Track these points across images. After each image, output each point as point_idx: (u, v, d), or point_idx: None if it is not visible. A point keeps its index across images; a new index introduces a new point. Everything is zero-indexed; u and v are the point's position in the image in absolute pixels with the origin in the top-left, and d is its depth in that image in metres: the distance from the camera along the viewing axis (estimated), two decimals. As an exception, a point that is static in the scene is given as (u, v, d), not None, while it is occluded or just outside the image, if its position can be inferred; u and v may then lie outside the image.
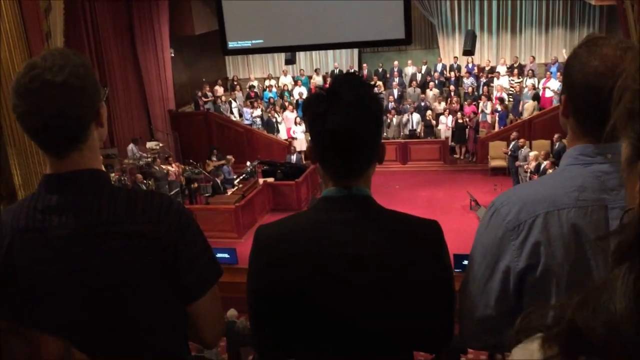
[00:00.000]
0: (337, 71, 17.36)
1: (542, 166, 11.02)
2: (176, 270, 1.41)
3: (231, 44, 10.78)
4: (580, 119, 1.27)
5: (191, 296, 1.46)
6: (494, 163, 13.56)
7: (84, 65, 1.37)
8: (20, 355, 0.65)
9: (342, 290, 1.34)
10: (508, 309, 1.30)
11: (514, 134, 12.77)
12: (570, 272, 1.20)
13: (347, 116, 1.31)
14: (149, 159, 12.79)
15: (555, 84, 14.38)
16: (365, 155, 1.38)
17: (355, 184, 1.38)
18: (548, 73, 15.08)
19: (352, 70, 17.05)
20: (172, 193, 12.30)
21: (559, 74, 14.64)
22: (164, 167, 12.70)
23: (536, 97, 14.48)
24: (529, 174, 11.42)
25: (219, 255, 9.48)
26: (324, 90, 1.37)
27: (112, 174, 11.47)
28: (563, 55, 15.52)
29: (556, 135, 12.19)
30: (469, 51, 13.93)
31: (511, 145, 12.59)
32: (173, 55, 15.28)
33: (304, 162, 13.95)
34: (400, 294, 1.34)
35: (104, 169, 1.49)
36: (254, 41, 10.76)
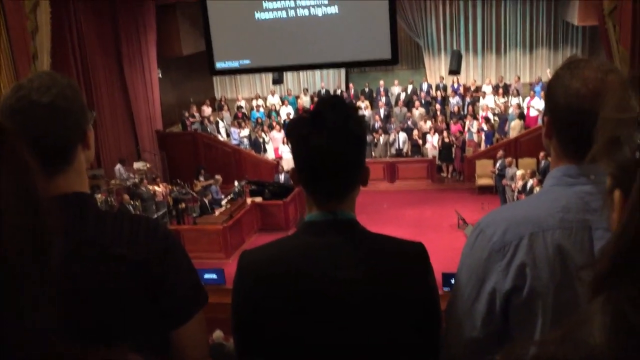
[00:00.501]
0: (324, 91, 17.46)
1: (529, 185, 11.10)
2: (161, 295, 1.40)
3: (219, 65, 10.83)
4: (563, 140, 1.28)
5: (176, 321, 1.44)
6: (481, 181, 13.63)
7: (71, 87, 1.37)
8: None
9: (327, 313, 1.33)
10: (494, 331, 1.30)
11: (501, 153, 12.88)
12: (556, 293, 1.21)
13: (330, 138, 1.32)
14: (136, 180, 12.73)
15: (539, 103, 14.55)
16: (349, 177, 1.38)
17: (340, 208, 1.38)
18: (532, 92, 15.27)
19: (339, 92, 17.17)
20: (159, 214, 12.23)
21: (542, 93, 14.82)
22: (151, 187, 12.63)
23: (522, 116, 14.64)
24: (516, 193, 11.49)
25: (206, 276, 9.40)
26: (308, 113, 1.38)
27: (99, 195, 11.38)
28: (547, 74, 15.73)
29: (542, 154, 12.30)
30: (454, 71, 14.09)
31: (498, 164, 12.68)
32: (160, 76, 15.29)
33: (292, 181, 13.92)
34: (387, 315, 1.34)
35: (90, 191, 1.48)
36: (241, 61, 10.82)
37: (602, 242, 1.18)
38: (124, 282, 1.35)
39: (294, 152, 1.40)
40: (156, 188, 12.68)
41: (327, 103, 1.39)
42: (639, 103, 0.58)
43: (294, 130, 1.39)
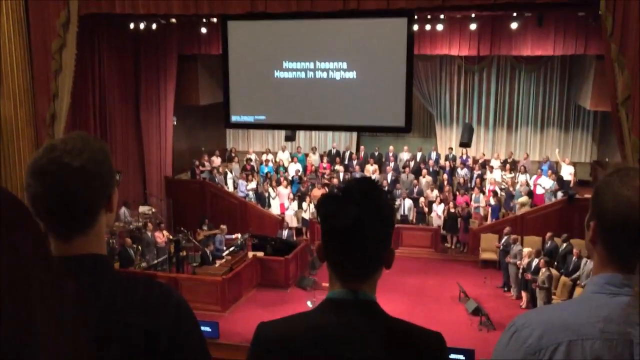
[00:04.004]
0: (334, 151, 17.59)
1: (534, 264, 10.98)
2: None
3: (234, 118, 10.98)
4: (609, 247, 1.26)
5: None
6: (484, 255, 13.52)
7: (102, 151, 1.40)
8: None
9: None
10: None
11: (507, 229, 12.78)
12: None
13: (358, 218, 1.34)
14: (140, 224, 12.69)
15: (547, 182, 14.61)
16: (374, 256, 1.40)
17: (362, 289, 1.39)
18: (539, 170, 15.37)
19: (349, 153, 17.33)
20: (159, 260, 12.15)
21: (550, 172, 14.94)
22: (156, 234, 12.58)
23: (529, 194, 14.65)
24: (521, 271, 11.36)
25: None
26: (339, 191, 1.40)
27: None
28: (556, 154, 15.89)
29: (549, 234, 12.24)
30: (465, 143, 14.21)
31: (503, 240, 12.59)
32: (175, 123, 15.48)
33: (295, 238, 13.86)
34: None
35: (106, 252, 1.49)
36: (256, 117, 10.97)
37: None
38: (132, 347, 1.35)
39: (322, 227, 1.41)
40: (159, 234, 12.62)
41: (358, 183, 1.43)
42: None
43: (324, 206, 1.41)
